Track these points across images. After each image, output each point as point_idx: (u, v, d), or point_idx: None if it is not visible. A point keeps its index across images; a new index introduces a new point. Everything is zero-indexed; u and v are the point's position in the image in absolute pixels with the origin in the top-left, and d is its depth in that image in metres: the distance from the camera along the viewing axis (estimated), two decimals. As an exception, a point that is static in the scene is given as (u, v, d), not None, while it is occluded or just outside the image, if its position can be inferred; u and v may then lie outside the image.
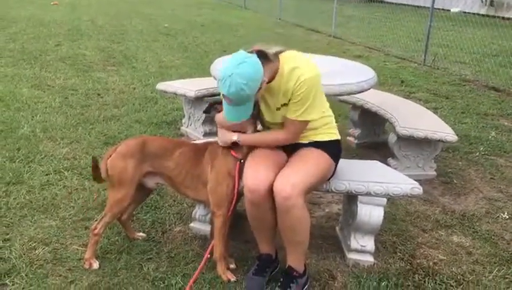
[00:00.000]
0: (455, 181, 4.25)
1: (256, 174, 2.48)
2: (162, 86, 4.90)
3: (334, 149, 2.71)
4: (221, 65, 2.41)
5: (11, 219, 3.19)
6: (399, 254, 3.09)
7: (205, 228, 3.14)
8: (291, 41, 11.24)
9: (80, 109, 5.61)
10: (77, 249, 2.91)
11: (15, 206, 3.34)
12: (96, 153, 4.33)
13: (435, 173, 4.28)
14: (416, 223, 3.51)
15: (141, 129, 5.00)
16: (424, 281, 2.83)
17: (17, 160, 4.06)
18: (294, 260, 2.62)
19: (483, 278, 2.90)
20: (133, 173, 2.71)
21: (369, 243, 2.95)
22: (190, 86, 4.71)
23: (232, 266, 2.83)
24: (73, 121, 5.14)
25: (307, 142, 2.70)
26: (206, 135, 4.77)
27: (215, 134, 5.03)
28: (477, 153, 4.93)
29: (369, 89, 3.68)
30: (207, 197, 2.71)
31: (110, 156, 2.76)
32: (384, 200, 2.87)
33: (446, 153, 4.81)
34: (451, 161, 4.69)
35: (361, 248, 2.94)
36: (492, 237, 3.37)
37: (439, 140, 4.03)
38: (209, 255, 2.64)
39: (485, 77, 8.47)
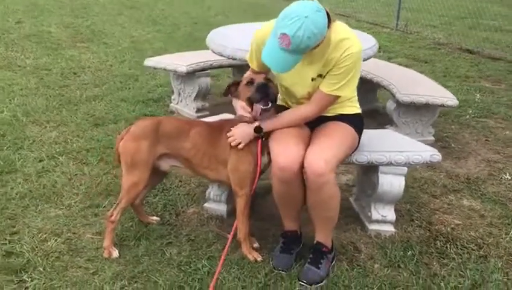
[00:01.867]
0: (453, 145, 4.29)
1: (287, 151, 2.39)
2: (150, 62, 4.70)
3: (358, 123, 2.65)
4: (291, 6, 2.19)
5: (14, 210, 3.00)
6: (416, 221, 3.10)
7: (220, 208, 3.04)
8: (265, 9, 11.03)
9: (58, 89, 5.33)
10: (92, 237, 2.77)
11: (14, 196, 3.14)
12: (87, 135, 4.13)
13: (433, 138, 4.30)
14: (425, 189, 3.52)
15: (129, 108, 4.79)
16: (446, 247, 2.84)
17: (5, 147, 3.82)
18: (324, 236, 2.57)
19: (501, 240, 2.95)
20: (148, 155, 2.58)
21: (389, 213, 2.93)
22: (179, 61, 4.52)
23: (256, 245, 2.76)
24: (54, 102, 4.87)
25: (332, 115, 2.62)
26: (198, 111, 4.62)
27: (207, 110, 4.99)
28: (467, 116, 4.99)
29: (373, 56, 3.62)
30: (228, 177, 2.61)
31: (123, 138, 2.61)
32: (405, 169, 2.84)
33: (438, 118, 4.82)
34: (444, 125, 4.73)
35: (382, 218, 2.92)
36: (500, 198, 3.43)
37: (440, 105, 4.03)
38: (230, 235, 2.55)
39: (458, 39, 8.58)
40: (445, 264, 2.70)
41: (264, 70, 2.59)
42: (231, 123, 2.65)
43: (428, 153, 2.84)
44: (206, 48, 3.89)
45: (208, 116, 4.55)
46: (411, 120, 4.19)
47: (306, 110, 2.52)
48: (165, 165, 2.71)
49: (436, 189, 3.54)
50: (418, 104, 4.01)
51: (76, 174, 3.47)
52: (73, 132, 4.20)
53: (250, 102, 2.52)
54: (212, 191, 3.03)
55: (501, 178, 3.74)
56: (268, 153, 2.55)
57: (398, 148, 2.82)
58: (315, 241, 2.60)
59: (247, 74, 2.63)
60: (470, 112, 5.07)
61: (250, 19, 9.33)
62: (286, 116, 2.55)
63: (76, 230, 2.84)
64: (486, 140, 4.47)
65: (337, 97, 2.45)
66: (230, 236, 2.54)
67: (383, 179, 2.82)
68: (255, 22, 4.06)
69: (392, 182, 2.83)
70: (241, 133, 2.51)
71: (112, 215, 2.61)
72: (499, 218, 3.19)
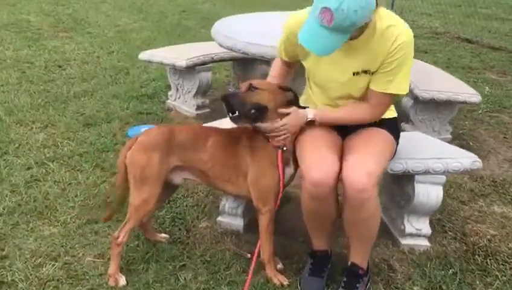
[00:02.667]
0: (471, 143, 4.04)
1: (321, 162, 2.08)
2: (145, 55, 4.31)
3: (395, 128, 2.36)
4: None
5: (2, 228, 2.64)
6: (449, 232, 2.84)
7: (236, 222, 2.73)
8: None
9: (43, 84, 4.91)
10: (93, 261, 2.44)
11: (1, 212, 2.78)
12: (79, 137, 3.76)
13: (450, 136, 4.04)
14: (451, 194, 3.26)
15: (122, 105, 4.41)
16: (487, 263, 2.59)
17: (-13, 152, 3.43)
18: (360, 257, 2.28)
19: (543, 252, 2.70)
20: (159, 169, 2.25)
21: (424, 226, 2.67)
22: (177, 55, 4.16)
23: (280, 266, 2.46)
24: (39, 100, 4.46)
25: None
26: (199, 108, 4.28)
27: (208, 107, 4.64)
28: (480, 111, 4.75)
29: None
30: (249, 191, 2.30)
31: (130, 148, 2.27)
32: (444, 178, 2.57)
33: (451, 113, 4.58)
34: (457, 121, 4.46)
35: (417, 231, 2.65)
36: (531, 204, 3.19)
37: (462, 102, 3.77)
38: (254, 257, 2.24)
39: (456, 28, 8.34)
40: (490, 283, 2.45)
41: (295, 61, 2.35)
42: (249, 130, 2.33)
43: (469, 160, 2.56)
44: (198, 38, 3.56)
45: (208, 113, 4.39)
46: (428, 117, 3.92)
47: (364, 113, 2.23)
48: (177, 178, 2.39)
49: (463, 194, 3.28)
50: (439, 101, 3.73)
51: (70, 184, 3.11)
52: (63, 133, 3.82)
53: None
54: (227, 203, 2.71)
55: (529, 179, 3.50)
56: (295, 162, 2.26)
57: (435, 155, 2.54)
58: (350, 263, 2.30)
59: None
60: (482, 106, 4.81)
61: (238, 6, 8.99)
62: (340, 113, 2.25)
63: (74, 252, 2.49)
64: (504, 137, 4.23)
65: (394, 96, 2.16)
66: (254, 257, 2.23)
67: (419, 189, 2.54)
68: (263, 12, 3.73)
69: (429, 193, 2.56)
70: (295, 121, 2.21)
71: (118, 237, 2.28)
72: (536, 227, 2.94)
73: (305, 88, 2.46)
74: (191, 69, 4.10)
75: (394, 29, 2.02)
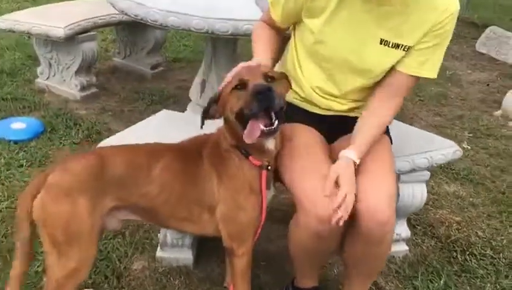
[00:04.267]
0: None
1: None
2: (4, 23, 3.22)
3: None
4: None
5: None
6: (418, 227, 2.55)
7: (184, 256, 2.08)
8: None
9: None
10: None
11: None
12: None
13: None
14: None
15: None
16: (467, 261, 2.35)
17: None
18: (361, 291, 1.82)
19: (514, 237, 2.54)
20: (91, 219, 1.51)
21: (403, 229, 2.31)
22: (47, 20, 3.17)
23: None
24: None
25: (355, 115, 1.79)
26: (83, 89, 3.38)
27: (96, 87, 3.67)
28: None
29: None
30: (217, 229, 1.67)
31: (37, 194, 1.48)
32: (428, 174, 2.20)
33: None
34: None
35: (396, 236, 2.26)
36: (475, 177, 3.05)
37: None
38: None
39: None
40: (480, 288, 2.19)
41: (289, 24, 1.75)
42: (217, 140, 1.67)
43: (451, 150, 2.21)
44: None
45: (96, 94, 3.48)
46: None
47: (389, 111, 1.68)
48: (113, 222, 1.66)
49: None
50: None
51: None
52: None
53: (242, 118, 1.51)
54: (169, 233, 2.03)
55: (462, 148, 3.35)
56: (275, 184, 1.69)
57: (419, 149, 2.14)
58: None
59: (236, 70, 1.61)
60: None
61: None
62: (371, 131, 1.65)
63: None
64: (420, 100, 4.07)
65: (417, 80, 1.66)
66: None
67: (404, 190, 2.14)
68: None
69: (414, 193, 2.18)
70: (349, 179, 1.54)
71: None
72: (490, 205, 2.78)
73: (283, 65, 1.84)
74: (70, 40, 3.15)
75: (441, 0, 1.51)
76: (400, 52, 1.58)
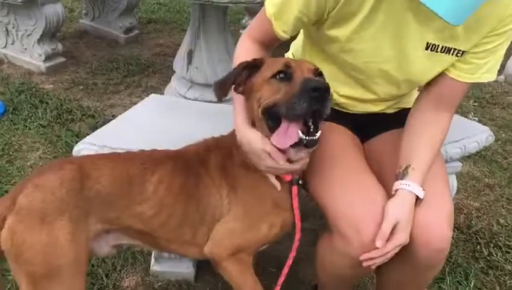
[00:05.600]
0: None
1: (372, 211, 1.24)
2: None
3: None
4: None
5: None
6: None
7: (184, 270, 1.78)
8: None
9: None
10: None
11: None
12: None
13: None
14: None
15: None
16: (493, 254, 2.15)
17: None
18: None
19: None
20: (76, 245, 1.19)
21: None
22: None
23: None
24: None
25: (394, 111, 1.52)
26: (48, 59, 2.95)
27: (61, 56, 3.19)
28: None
29: None
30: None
31: (2, 222, 1.15)
32: (460, 165, 1.93)
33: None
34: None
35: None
36: (488, 155, 2.82)
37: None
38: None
39: None
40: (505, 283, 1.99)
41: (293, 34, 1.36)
42: (224, 147, 1.35)
43: (484, 135, 1.94)
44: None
45: (63, 65, 3.02)
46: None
47: (444, 126, 1.37)
48: (103, 247, 1.34)
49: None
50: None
51: None
52: None
53: (271, 115, 1.19)
54: (165, 243, 1.72)
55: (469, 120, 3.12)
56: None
57: (451, 137, 1.85)
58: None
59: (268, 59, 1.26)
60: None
61: None
62: (426, 155, 1.32)
63: None
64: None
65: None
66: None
67: (433, 184, 1.87)
68: None
69: (443, 187, 1.90)
70: (408, 224, 1.23)
71: None
72: (507, 186, 2.59)
73: None
74: (30, 2, 2.69)
75: None
76: (451, 58, 1.25)
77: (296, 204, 1.30)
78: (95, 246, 1.31)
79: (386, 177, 1.35)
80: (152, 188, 1.27)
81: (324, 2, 1.19)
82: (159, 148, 1.40)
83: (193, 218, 1.32)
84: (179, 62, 2.63)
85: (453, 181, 1.95)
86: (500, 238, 2.22)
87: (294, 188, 1.29)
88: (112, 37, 3.53)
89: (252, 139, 1.20)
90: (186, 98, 2.62)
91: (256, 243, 1.34)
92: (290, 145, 1.14)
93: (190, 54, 2.56)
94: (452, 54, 1.24)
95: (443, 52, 1.24)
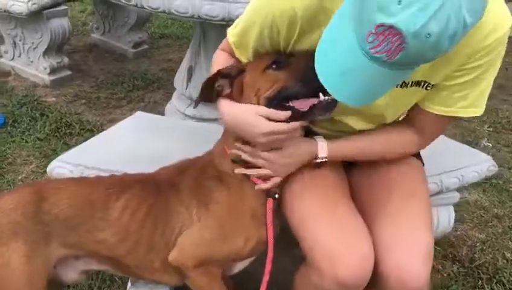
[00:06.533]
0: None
1: (352, 247, 1.15)
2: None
3: None
4: None
5: None
6: (437, 248, 2.18)
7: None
8: None
9: None
10: None
11: None
12: None
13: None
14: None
15: None
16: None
17: None
18: None
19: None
20: (30, 268, 1.15)
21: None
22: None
23: None
24: None
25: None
26: (54, 72, 2.97)
27: (67, 69, 3.22)
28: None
29: None
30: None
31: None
32: (457, 195, 1.83)
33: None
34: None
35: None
36: (501, 183, 2.68)
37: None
38: None
39: None
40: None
41: None
42: (199, 168, 1.30)
43: (485, 165, 1.83)
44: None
45: (69, 78, 3.05)
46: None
47: (406, 140, 1.29)
48: (70, 274, 1.29)
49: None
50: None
51: None
52: None
53: (276, 104, 1.16)
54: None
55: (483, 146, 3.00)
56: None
57: (447, 166, 1.77)
58: None
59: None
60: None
61: None
62: (369, 142, 1.29)
63: None
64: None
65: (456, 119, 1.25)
66: None
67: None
68: None
69: (439, 219, 1.82)
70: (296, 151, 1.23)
71: None
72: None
73: None
74: (36, 15, 2.72)
75: (488, 16, 1.01)
76: (421, 91, 1.18)
77: (270, 218, 1.24)
78: (60, 273, 1.26)
79: (365, 207, 1.29)
80: (116, 214, 1.23)
81: (277, 38, 1.14)
82: (133, 170, 1.36)
83: (162, 244, 1.26)
84: (179, 78, 2.60)
85: (451, 212, 1.85)
86: (504, 273, 2.09)
87: (270, 201, 1.23)
88: (120, 51, 3.54)
89: (245, 108, 1.17)
90: (185, 115, 2.58)
91: (229, 256, 1.29)
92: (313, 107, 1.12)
93: (190, 71, 2.53)
94: (422, 87, 1.16)
95: (414, 86, 1.16)
